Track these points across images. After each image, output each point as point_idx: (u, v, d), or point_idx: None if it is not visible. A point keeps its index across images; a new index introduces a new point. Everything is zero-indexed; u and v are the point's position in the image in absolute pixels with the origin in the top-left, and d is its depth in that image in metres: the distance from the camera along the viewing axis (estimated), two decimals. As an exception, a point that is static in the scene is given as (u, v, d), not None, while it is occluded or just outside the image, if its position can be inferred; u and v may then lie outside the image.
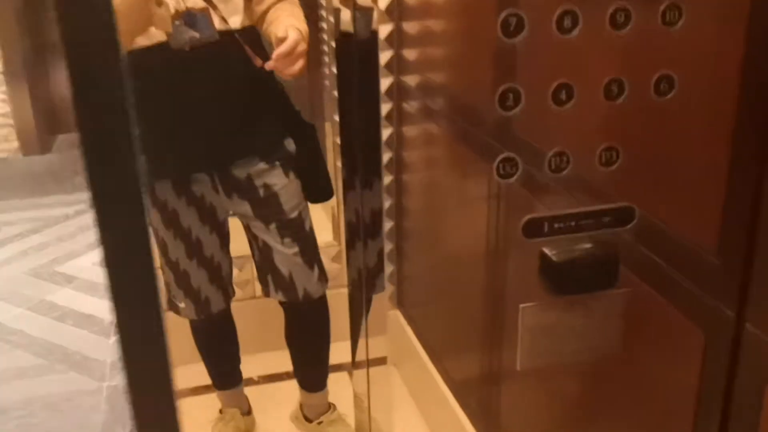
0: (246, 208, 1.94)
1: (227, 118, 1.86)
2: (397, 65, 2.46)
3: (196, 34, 1.71)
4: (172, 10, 1.68)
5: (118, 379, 2.59)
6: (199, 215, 1.99)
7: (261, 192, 1.93)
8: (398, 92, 2.51)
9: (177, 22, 1.69)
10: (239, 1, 1.84)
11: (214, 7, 1.75)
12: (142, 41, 1.72)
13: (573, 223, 0.87)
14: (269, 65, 1.71)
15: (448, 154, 2.26)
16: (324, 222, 3.12)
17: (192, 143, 1.86)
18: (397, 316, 2.80)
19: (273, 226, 1.97)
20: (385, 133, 2.63)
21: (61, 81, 4.83)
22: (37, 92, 4.62)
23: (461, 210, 2.18)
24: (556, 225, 0.86)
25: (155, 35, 1.71)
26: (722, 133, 0.90)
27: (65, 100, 4.89)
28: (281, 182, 1.94)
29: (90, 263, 3.38)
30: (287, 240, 1.99)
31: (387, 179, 2.68)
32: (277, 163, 1.93)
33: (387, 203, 2.70)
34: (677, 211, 0.99)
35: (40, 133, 4.61)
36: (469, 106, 1.97)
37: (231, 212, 2.07)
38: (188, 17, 1.70)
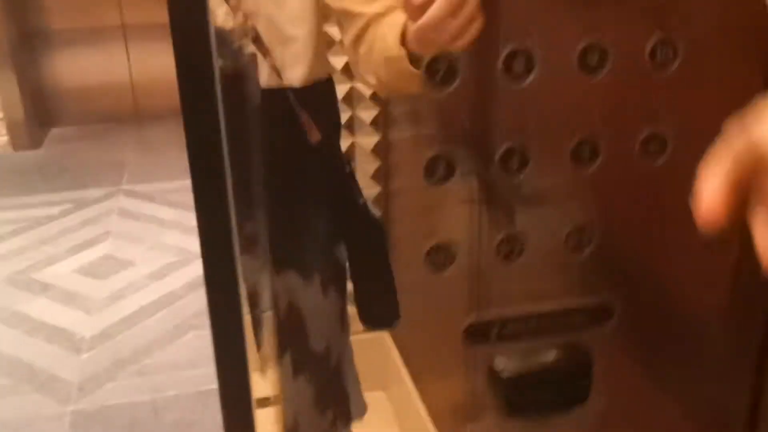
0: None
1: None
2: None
3: (231, 91, 1.18)
4: None
5: (83, 403, 2.42)
6: None
7: (283, 307, 1.41)
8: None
9: None
10: (305, 47, 1.27)
11: (266, 53, 1.22)
12: None
13: (531, 326, 0.66)
14: (413, 31, 0.97)
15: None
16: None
17: None
18: (384, 338, 2.63)
19: (288, 357, 1.42)
20: (373, 140, 2.44)
21: (51, 72, 4.66)
22: (27, 84, 4.45)
23: (448, 227, 1.98)
24: (507, 330, 0.65)
25: None
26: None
27: (56, 91, 4.72)
28: (314, 302, 1.42)
29: (69, 270, 3.21)
30: (301, 378, 1.45)
31: (375, 190, 2.49)
32: (316, 276, 1.41)
33: (376, 215, 2.51)
34: (675, 297, 0.78)
35: (30, 127, 4.45)
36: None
37: None
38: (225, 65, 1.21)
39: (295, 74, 1.25)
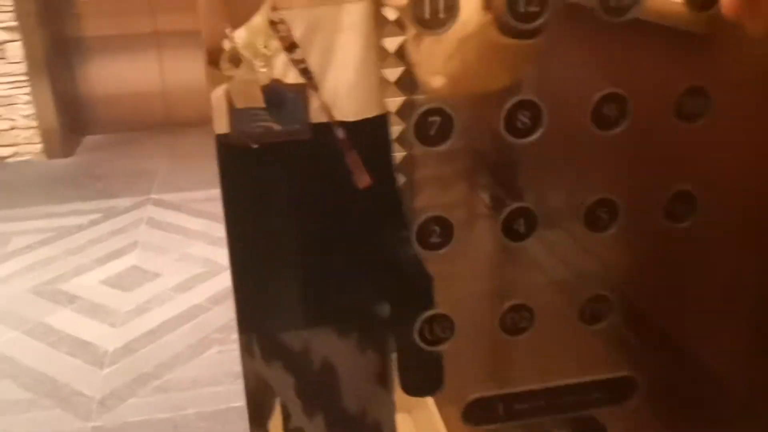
0: (289, 382, 1.33)
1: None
2: (410, 82, 2.19)
3: (276, 125, 1.06)
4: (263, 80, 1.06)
5: (104, 419, 2.41)
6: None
7: (316, 364, 1.32)
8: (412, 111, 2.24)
9: None
10: (362, 75, 1.16)
11: (315, 87, 1.10)
12: None
13: (542, 403, 0.59)
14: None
15: (459, 186, 2.00)
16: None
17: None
18: (409, 358, 2.59)
19: (320, 417, 1.35)
20: (398, 156, 2.38)
21: (85, 79, 4.68)
22: (61, 92, 4.47)
23: (471, 248, 1.91)
24: (516, 406, 0.59)
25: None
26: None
27: (89, 99, 4.74)
28: (350, 359, 1.32)
29: (96, 281, 3.21)
30: None
31: (400, 206, 2.44)
32: (354, 332, 1.31)
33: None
34: (703, 370, 0.71)
35: (63, 136, 4.48)
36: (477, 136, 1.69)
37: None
38: (271, 96, 1.07)
39: (349, 106, 1.13)
